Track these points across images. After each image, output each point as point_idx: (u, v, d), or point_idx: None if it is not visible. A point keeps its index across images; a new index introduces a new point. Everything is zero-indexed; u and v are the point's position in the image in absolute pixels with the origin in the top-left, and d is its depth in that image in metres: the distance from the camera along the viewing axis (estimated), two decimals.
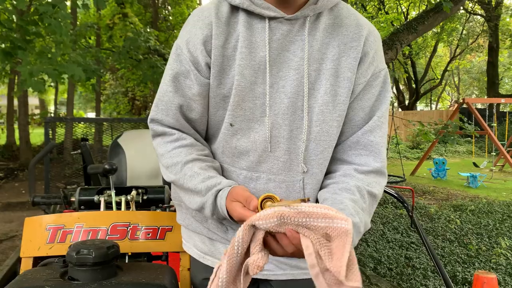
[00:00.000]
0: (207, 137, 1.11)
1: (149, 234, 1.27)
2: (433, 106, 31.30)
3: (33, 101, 25.91)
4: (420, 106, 29.72)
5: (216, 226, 1.07)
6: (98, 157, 4.46)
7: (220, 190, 0.94)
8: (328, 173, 1.07)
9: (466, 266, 4.06)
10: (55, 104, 15.61)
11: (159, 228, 1.28)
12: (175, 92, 1.03)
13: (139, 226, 1.27)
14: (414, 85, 20.82)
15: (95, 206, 1.47)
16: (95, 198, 1.46)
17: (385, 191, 1.43)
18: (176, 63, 1.02)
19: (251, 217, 0.77)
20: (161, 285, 0.95)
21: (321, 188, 1.06)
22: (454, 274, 3.79)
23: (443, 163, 9.70)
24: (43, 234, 1.22)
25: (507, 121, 11.97)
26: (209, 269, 1.10)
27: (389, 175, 9.65)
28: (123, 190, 1.54)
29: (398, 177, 9.10)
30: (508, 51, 22.75)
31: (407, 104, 21.47)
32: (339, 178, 1.03)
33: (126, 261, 1.29)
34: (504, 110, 13.86)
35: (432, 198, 7.48)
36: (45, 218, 1.23)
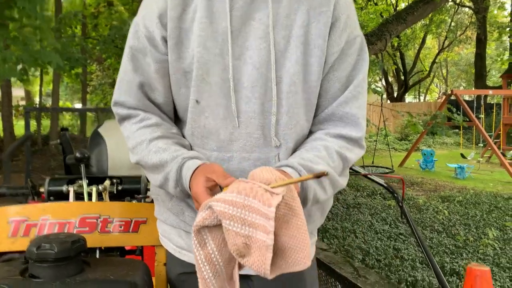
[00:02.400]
0: (177, 123, 1.04)
1: (121, 227, 1.18)
2: (421, 98, 31.47)
3: (18, 92, 25.47)
4: (408, 98, 29.86)
5: (192, 218, 0.99)
6: (81, 148, 4.35)
7: (187, 158, 0.89)
8: None
9: (454, 257, 4.06)
10: (40, 95, 15.33)
11: (132, 221, 1.20)
12: (134, 71, 0.97)
13: (110, 218, 1.18)
14: (403, 77, 20.88)
15: (65, 197, 1.38)
16: (64, 188, 1.37)
17: (374, 181, 1.37)
18: (134, 40, 0.97)
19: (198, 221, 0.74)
20: (130, 282, 0.87)
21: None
22: (442, 265, 3.78)
23: (431, 154, 9.72)
24: (5, 227, 1.13)
25: (494, 113, 12.04)
26: (186, 264, 1.04)
27: (377, 166, 9.69)
28: (96, 180, 1.45)
29: (387, 168, 9.12)
30: (495, 43, 22.90)
31: (395, 96, 21.53)
32: (307, 143, 0.98)
33: (98, 256, 1.21)
34: (491, 102, 13.94)
35: (420, 189, 7.50)
36: (7, 210, 1.14)
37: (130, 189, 1.44)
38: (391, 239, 4.63)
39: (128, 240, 1.19)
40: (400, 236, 4.72)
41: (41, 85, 15.14)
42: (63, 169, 2.49)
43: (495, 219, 5.33)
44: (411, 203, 6.17)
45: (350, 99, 0.96)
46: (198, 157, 0.91)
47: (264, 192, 0.72)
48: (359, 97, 0.97)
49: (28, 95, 25.51)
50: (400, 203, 1.27)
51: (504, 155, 9.38)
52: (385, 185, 1.37)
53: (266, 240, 0.68)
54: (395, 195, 1.32)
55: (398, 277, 3.56)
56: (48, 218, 1.12)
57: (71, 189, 1.34)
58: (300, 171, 0.86)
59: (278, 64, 0.92)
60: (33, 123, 15.09)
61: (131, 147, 0.98)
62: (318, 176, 0.74)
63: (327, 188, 0.92)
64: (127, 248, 1.33)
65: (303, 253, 0.73)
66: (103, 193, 1.38)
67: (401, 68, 20.66)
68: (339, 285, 2.14)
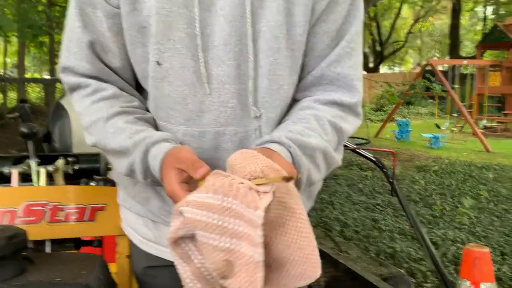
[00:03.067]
0: (141, 94, 0.87)
1: (74, 215, 1.02)
2: (396, 69, 31.67)
3: None
4: (383, 69, 29.99)
5: (159, 208, 0.84)
6: (46, 122, 4.09)
7: (151, 144, 0.73)
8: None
9: (431, 226, 4.07)
10: (4, 65, 14.63)
11: (87, 207, 1.03)
12: (84, 27, 0.78)
13: (60, 205, 1.01)
14: (378, 48, 20.84)
15: (9, 180, 1.20)
16: (5, 170, 1.18)
17: (362, 155, 1.25)
18: None
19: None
20: (82, 285, 0.72)
21: None
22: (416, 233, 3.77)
23: (407, 124, 9.79)
24: None
25: (467, 83, 12.15)
26: (153, 258, 0.89)
27: (353, 137, 9.69)
28: (48, 158, 1.27)
29: (362, 139, 9.13)
30: (469, 14, 23.03)
31: (371, 67, 21.54)
32: (294, 112, 0.81)
33: (48, 250, 1.04)
34: (465, 72, 14.07)
35: (396, 160, 7.54)
36: None
37: (88, 168, 1.26)
38: (369, 210, 4.62)
39: (83, 230, 1.03)
40: (377, 206, 4.71)
41: (5, 55, 14.44)
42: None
43: (469, 188, 5.39)
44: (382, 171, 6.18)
45: (342, 57, 0.79)
46: (164, 139, 0.74)
47: (248, 190, 0.55)
48: (353, 55, 0.80)
49: None
50: (390, 179, 1.16)
51: (476, 124, 9.52)
52: (373, 159, 1.25)
53: (254, 255, 0.52)
54: (384, 170, 1.20)
55: (377, 248, 3.54)
56: None
57: (14, 171, 1.15)
58: (290, 147, 0.70)
59: (255, 15, 0.75)
60: None
61: (85, 126, 0.81)
62: (287, 179, 0.58)
63: (321, 166, 0.76)
64: (83, 239, 1.17)
65: (310, 263, 0.57)
66: (54, 174, 1.20)
67: (377, 38, 20.59)
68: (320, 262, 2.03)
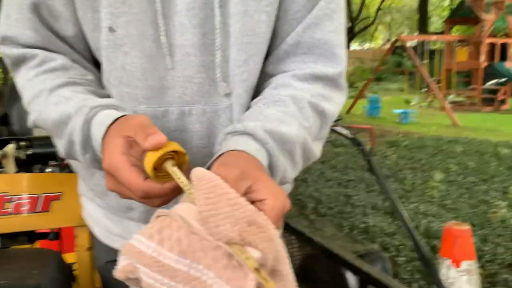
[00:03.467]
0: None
1: (25, 206, 0.92)
2: (367, 46, 31.85)
3: None
4: (353, 45, 30.09)
5: (118, 204, 0.74)
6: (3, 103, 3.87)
7: (99, 108, 0.59)
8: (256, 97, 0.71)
9: (403, 201, 4.12)
10: None
11: (40, 197, 0.93)
12: None
13: (9, 195, 0.90)
14: (349, 24, 20.84)
15: None
16: None
17: (337, 132, 1.19)
18: None
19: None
20: (33, 286, 0.63)
21: None
22: (392, 209, 3.82)
23: (377, 101, 9.88)
24: None
25: (436, 59, 12.32)
26: (114, 251, 0.81)
27: None
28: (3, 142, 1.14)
29: None
30: None
31: None
32: (267, 92, 0.68)
33: None
34: (434, 48, 14.26)
35: (367, 135, 7.61)
36: None
37: (42, 153, 1.15)
38: (342, 186, 4.65)
39: (37, 222, 0.93)
40: (351, 182, 4.74)
41: None
42: None
43: (439, 162, 5.50)
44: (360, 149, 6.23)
45: (321, 19, 0.68)
46: (115, 106, 0.62)
47: (227, 261, 0.42)
48: (334, 17, 0.69)
49: None
50: (367, 157, 1.11)
51: (445, 99, 9.70)
52: (349, 136, 1.20)
53: None
54: (361, 147, 1.15)
55: (351, 223, 3.56)
56: None
57: None
58: (267, 144, 0.58)
59: None
60: None
61: (26, 102, 0.69)
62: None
63: (298, 162, 0.66)
64: (38, 231, 1.07)
65: None
66: (3, 161, 1.08)
67: (348, 15, 20.57)
68: (295, 240, 2.02)
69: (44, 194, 0.93)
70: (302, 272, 2.27)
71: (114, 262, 0.83)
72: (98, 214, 0.81)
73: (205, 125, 0.69)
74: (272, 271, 0.44)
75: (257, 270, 0.41)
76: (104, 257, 0.84)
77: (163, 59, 0.66)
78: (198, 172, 0.47)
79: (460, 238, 0.98)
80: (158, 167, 0.53)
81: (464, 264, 0.99)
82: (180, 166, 0.54)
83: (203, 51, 0.66)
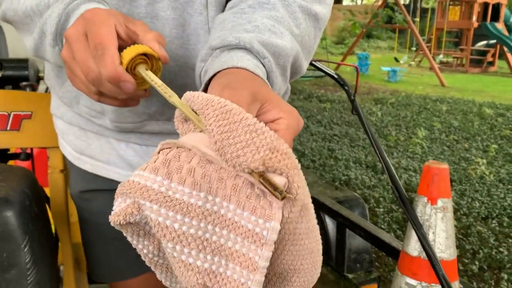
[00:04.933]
0: None
1: None
2: (359, 1, 31.19)
3: None
4: (346, 1, 29.43)
5: (88, 109, 0.71)
6: None
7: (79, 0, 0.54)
8: None
9: (386, 155, 4.16)
10: None
11: (10, 115, 0.89)
12: None
13: None
14: None
15: None
16: None
17: (323, 71, 1.16)
18: None
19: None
20: (0, 199, 0.61)
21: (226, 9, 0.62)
22: (375, 164, 3.87)
23: (366, 58, 9.78)
24: None
25: (428, 17, 12.15)
26: (89, 179, 0.78)
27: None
28: None
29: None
30: None
31: None
32: None
33: None
34: (426, 7, 14.03)
35: (357, 92, 7.59)
36: None
37: (14, 76, 1.09)
38: (326, 140, 4.67)
39: (6, 140, 0.89)
40: (335, 137, 4.76)
41: None
42: None
43: (423, 120, 5.53)
44: (346, 105, 6.22)
45: None
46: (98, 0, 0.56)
47: (250, 190, 0.38)
48: None
49: None
50: (352, 97, 1.09)
51: (434, 59, 9.65)
52: (335, 75, 1.17)
53: (247, 283, 0.38)
54: (346, 87, 1.13)
55: (332, 176, 3.61)
56: None
57: None
58: (264, 59, 0.52)
59: None
60: None
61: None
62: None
63: (288, 77, 0.59)
64: (10, 151, 1.04)
65: (317, 267, 0.44)
66: None
67: None
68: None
69: (13, 112, 0.89)
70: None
71: (89, 192, 0.81)
72: (68, 133, 0.79)
73: (178, 13, 0.63)
74: (303, 205, 0.41)
75: (284, 197, 0.38)
76: (78, 187, 0.82)
77: None
78: (202, 97, 0.42)
79: (437, 176, 0.98)
80: (131, 72, 0.50)
81: (440, 202, 1.00)
82: (154, 72, 0.51)
83: None
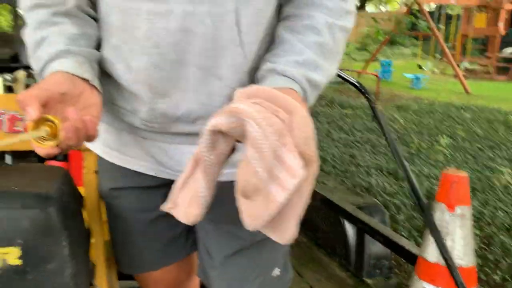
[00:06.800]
0: None
1: None
2: (383, 9, 30.95)
3: None
4: (369, 7, 29.27)
5: (121, 108, 0.78)
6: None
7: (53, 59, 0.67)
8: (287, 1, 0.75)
9: (408, 162, 4.14)
10: None
11: None
12: None
13: (20, 115, 0.93)
14: None
15: None
16: None
17: (344, 79, 1.19)
18: None
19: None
20: (41, 195, 0.67)
21: (281, 19, 0.75)
22: (396, 170, 3.85)
23: (389, 64, 9.72)
24: None
25: (452, 24, 11.98)
26: (117, 174, 0.85)
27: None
28: (8, 69, 1.17)
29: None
30: None
31: (357, 5, 20.97)
32: (304, 7, 0.72)
33: (9, 162, 0.98)
34: (452, 13, 13.83)
35: (377, 99, 7.54)
36: None
37: None
38: (347, 146, 4.66)
39: None
40: (356, 143, 4.76)
41: None
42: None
43: (447, 127, 5.47)
44: (368, 111, 6.19)
45: None
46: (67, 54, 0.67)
47: (293, 146, 0.56)
48: None
49: None
50: (372, 104, 1.12)
51: (458, 66, 9.51)
52: (356, 83, 1.20)
53: (278, 197, 0.56)
54: (367, 95, 1.15)
55: (353, 182, 3.61)
56: None
57: None
58: (306, 91, 0.69)
59: None
60: None
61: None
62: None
63: (321, 86, 0.73)
64: None
65: (292, 224, 0.60)
66: (14, 85, 1.11)
67: None
68: None
69: None
70: (302, 222, 2.33)
71: (117, 190, 0.88)
72: (101, 130, 0.84)
73: (209, 28, 0.68)
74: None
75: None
76: (107, 184, 0.89)
77: None
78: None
79: (456, 183, 1.00)
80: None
81: (458, 209, 1.01)
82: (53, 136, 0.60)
83: None
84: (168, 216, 0.67)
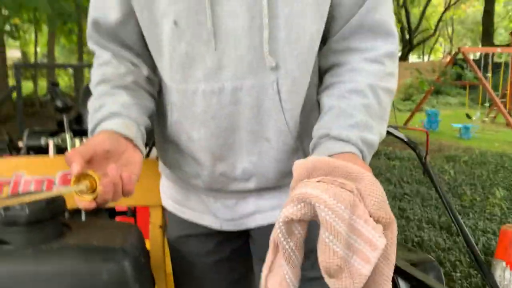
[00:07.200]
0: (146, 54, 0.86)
1: None
2: (426, 58, 30.88)
3: (15, 53, 25.02)
4: (412, 58, 29.31)
5: (186, 173, 0.87)
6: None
7: (105, 118, 0.75)
8: (328, 69, 0.83)
9: (461, 216, 3.97)
10: (35, 54, 15.03)
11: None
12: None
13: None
14: (407, 36, 20.36)
15: (47, 151, 1.22)
16: (42, 141, 1.20)
17: (394, 135, 1.22)
18: None
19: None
20: (118, 249, 0.73)
21: (324, 89, 0.82)
22: (449, 225, 3.70)
23: (436, 114, 9.56)
24: None
25: (501, 72, 11.72)
26: (184, 226, 0.93)
27: None
28: (81, 132, 1.29)
29: (391, 126, 8.96)
30: (504, 0, 22.16)
31: (400, 55, 21.09)
32: (346, 74, 0.79)
33: (83, 219, 1.07)
34: (499, 61, 13.57)
35: (425, 150, 7.38)
36: None
37: None
38: (396, 199, 4.55)
39: (119, 200, 1.04)
40: (405, 196, 4.63)
41: (36, 45, 14.81)
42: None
43: (501, 179, 5.23)
44: (416, 163, 6.06)
45: (379, 3, 0.77)
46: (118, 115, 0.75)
47: (367, 215, 0.58)
48: (387, 1, 0.79)
49: (25, 57, 25.10)
50: (423, 159, 1.13)
51: (510, 114, 9.20)
52: (405, 139, 1.22)
53: (363, 270, 0.57)
54: (417, 151, 1.17)
55: (404, 237, 3.49)
56: (23, 174, 0.97)
57: (51, 142, 1.17)
58: (362, 152, 0.73)
59: None
60: (29, 85, 14.77)
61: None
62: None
63: (376, 145, 0.77)
64: (117, 209, 1.19)
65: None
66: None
67: (406, 26, 20.10)
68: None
69: None
70: None
71: (184, 237, 0.95)
72: (170, 187, 0.96)
73: (255, 98, 0.77)
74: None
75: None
76: (177, 231, 0.97)
77: (219, 43, 0.74)
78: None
79: None
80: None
81: None
82: (91, 189, 0.65)
83: (251, 32, 0.74)
84: (230, 259, 0.73)
